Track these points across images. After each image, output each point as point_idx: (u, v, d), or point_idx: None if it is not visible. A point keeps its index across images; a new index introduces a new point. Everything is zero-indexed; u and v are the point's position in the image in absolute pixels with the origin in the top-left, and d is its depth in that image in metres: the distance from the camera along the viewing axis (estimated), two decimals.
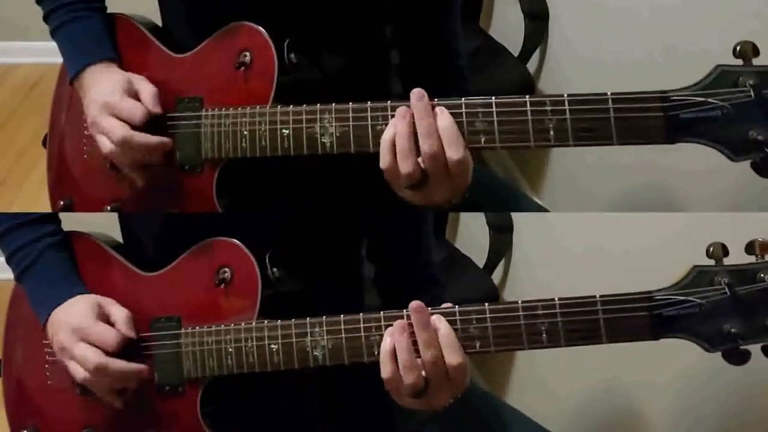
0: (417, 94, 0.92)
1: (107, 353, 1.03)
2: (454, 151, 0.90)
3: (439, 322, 0.92)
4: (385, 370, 0.93)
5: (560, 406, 1.62)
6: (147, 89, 1.06)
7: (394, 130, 0.92)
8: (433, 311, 0.93)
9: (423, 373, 0.92)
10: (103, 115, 1.05)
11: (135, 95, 1.06)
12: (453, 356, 0.91)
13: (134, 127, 1.04)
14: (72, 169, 1.17)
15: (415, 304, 0.93)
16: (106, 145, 1.05)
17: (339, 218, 1.12)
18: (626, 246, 1.42)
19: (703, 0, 1.41)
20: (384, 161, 0.93)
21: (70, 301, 1.07)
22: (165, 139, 1.05)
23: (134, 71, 1.10)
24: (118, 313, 1.06)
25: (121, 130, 1.04)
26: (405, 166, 0.91)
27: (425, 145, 0.90)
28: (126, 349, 1.04)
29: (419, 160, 0.91)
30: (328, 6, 1.06)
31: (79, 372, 1.03)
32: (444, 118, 0.91)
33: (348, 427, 1.13)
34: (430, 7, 1.12)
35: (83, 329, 1.03)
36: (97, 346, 1.03)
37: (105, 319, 1.05)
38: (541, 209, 1.85)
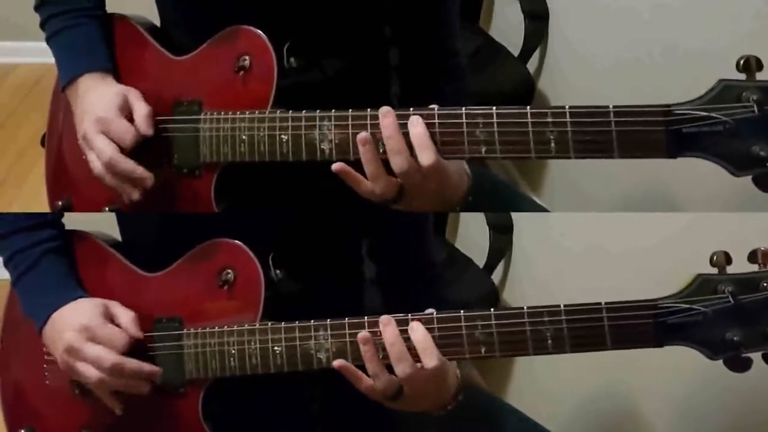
0: (383, 112, 0.93)
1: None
2: (425, 158, 0.91)
3: (417, 327, 0.93)
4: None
5: (560, 407, 1.62)
6: (141, 109, 1.05)
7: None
8: (413, 317, 0.94)
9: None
10: (94, 132, 1.04)
11: (129, 113, 1.05)
12: (429, 360, 0.92)
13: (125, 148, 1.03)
14: (70, 170, 1.16)
15: None
16: (95, 164, 1.05)
17: (339, 219, 1.12)
18: (626, 246, 1.42)
19: (703, 0, 1.41)
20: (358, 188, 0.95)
21: (71, 304, 1.06)
22: (147, 175, 1.04)
23: (132, 73, 1.10)
24: (124, 314, 1.05)
25: (107, 152, 1.03)
26: (378, 187, 0.94)
27: (394, 163, 0.92)
28: (129, 351, 1.03)
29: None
30: (327, 8, 1.06)
31: (92, 373, 1.02)
32: (417, 125, 0.92)
33: (349, 428, 1.13)
34: (429, 7, 1.12)
35: (92, 329, 1.02)
36: (106, 347, 1.02)
37: (111, 320, 1.05)
38: (541, 209, 1.85)
